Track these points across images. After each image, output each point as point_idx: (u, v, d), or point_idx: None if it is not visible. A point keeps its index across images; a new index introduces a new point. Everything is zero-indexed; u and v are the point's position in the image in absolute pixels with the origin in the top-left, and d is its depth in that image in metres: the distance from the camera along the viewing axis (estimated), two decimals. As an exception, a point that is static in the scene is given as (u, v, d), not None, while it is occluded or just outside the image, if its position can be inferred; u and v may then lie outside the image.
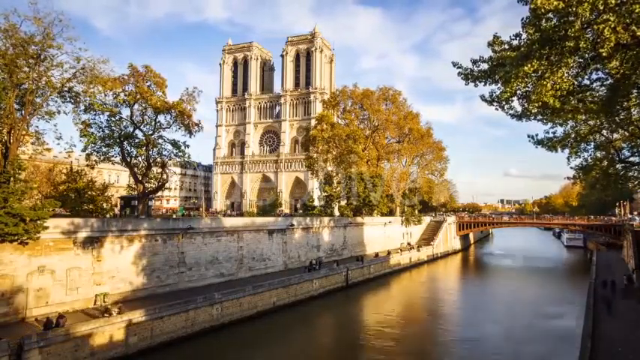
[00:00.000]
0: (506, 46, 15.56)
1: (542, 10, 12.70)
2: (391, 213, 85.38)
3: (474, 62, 16.40)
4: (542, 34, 13.41)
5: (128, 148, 45.53)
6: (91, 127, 42.21)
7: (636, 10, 11.84)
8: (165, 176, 48.34)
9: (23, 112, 32.11)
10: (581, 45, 12.97)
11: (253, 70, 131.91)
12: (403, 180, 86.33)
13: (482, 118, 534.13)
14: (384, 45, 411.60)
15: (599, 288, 40.61)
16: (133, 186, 48.80)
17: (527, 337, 34.54)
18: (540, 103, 15.01)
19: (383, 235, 78.33)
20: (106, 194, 48.53)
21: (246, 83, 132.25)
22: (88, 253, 32.90)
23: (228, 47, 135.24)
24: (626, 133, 24.16)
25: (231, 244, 45.56)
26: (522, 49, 14.44)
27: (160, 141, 46.37)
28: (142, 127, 45.38)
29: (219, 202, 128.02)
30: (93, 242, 33.33)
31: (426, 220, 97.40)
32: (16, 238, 27.16)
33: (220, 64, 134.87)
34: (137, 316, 28.54)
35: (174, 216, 64.11)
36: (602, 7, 12.03)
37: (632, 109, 20.63)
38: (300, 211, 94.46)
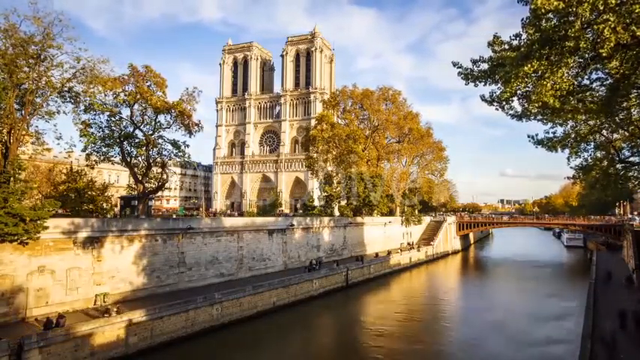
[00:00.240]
0: (506, 46, 15.57)
1: (543, 11, 12.70)
2: (391, 213, 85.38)
3: (474, 62, 16.42)
4: (542, 34, 13.41)
5: (128, 148, 45.53)
6: (91, 127, 42.19)
7: (636, 10, 11.85)
8: (165, 176, 48.33)
9: (23, 112, 32.11)
10: (581, 45, 12.98)
11: (253, 70, 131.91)
12: (403, 180, 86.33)
13: (478, 118, 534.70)
14: (379, 45, 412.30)
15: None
16: (133, 186, 48.80)
17: (527, 337, 34.54)
18: (540, 103, 15.03)
19: (383, 235, 78.34)
20: (106, 194, 48.55)
21: (246, 83, 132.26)
22: (88, 253, 32.91)
23: (228, 47, 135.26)
24: (626, 133, 24.17)
25: (231, 244, 45.56)
26: (522, 49, 14.44)
27: (160, 141, 46.39)
28: (142, 127, 45.37)
29: (219, 202, 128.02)
30: (93, 242, 33.33)
31: (426, 220, 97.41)
32: (16, 238, 27.15)
33: (220, 64, 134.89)
34: (137, 316, 28.54)
35: (174, 216, 64.11)
36: (602, 7, 12.03)
37: (632, 109, 20.64)
38: (300, 211, 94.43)
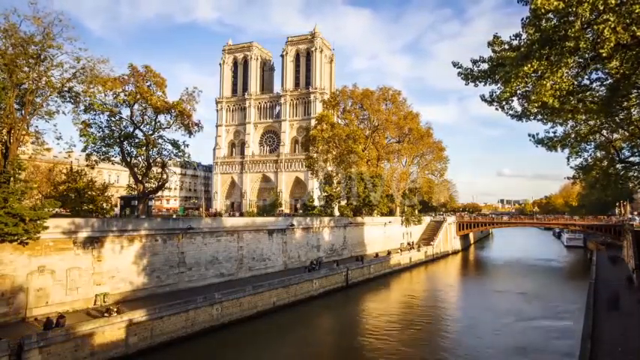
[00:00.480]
0: (506, 46, 15.56)
1: (543, 10, 12.69)
2: (391, 213, 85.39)
3: (474, 62, 16.41)
4: (542, 34, 13.40)
5: (128, 148, 45.54)
6: (91, 127, 42.20)
7: (636, 10, 11.85)
8: (165, 176, 48.34)
9: (23, 112, 32.11)
10: (581, 45, 12.97)
11: (253, 70, 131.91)
12: (403, 180, 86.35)
13: (476, 118, 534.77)
14: (375, 45, 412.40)
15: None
16: (133, 186, 48.80)
17: (527, 338, 34.53)
18: (540, 103, 15.02)
19: (383, 235, 78.34)
20: (106, 194, 48.54)
21: (246, 83, 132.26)
22: (88, 253, 32.91)
23: (228, 47, 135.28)
24: (626, 133, 24.15)
25: (231, 244, 45.57)
26: (522, 49, 14.44)
27: (160, 141, 46.41)
28: (142, 127, 45.38)
29: (219, 202, 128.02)
30: (93, 242, 33.34)
31: (426, 220, 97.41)
32: (16, 238, 27.15)
33: (220, 64, 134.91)
34: (137, 316, 28.55)
35: (174, 216, 64.12)
36: (602, 8, 12.03)
37: (632, 109, 20.63)
38: (300, 211, 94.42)
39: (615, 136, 25.58)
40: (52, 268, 30.40)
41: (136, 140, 45.67)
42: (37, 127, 34.76)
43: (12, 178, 29.30)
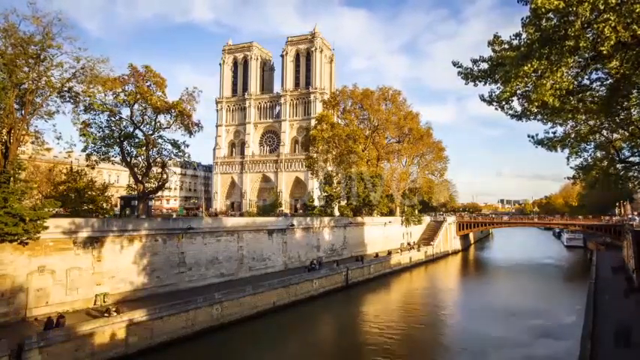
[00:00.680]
0: (506, 46, 15.56)
1: (543, 10, 12.69)
2: (391, 213, 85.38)
3: (474, 62, 16.41)
4: (543, 33, 13.41)
5: (128, 148, 45.51)
6: (91, 127, 42.15)
7: (637, 10, 11.84)
8: (165, 176, 48.32)
9: (23, 112, 32.08)
10: (581, 44, 12.97)
11: (253, 70, 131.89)
12: (403, 180, 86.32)
13: (475, 118, 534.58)
14: (372, 46, 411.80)
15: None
16: (133, 186, 48.78)
17: (527, 340, 34.52)
18: (540, 102, 15.02)
19: (383, 235, 78.32)
20: (106, 194, 48.53)
21: (246, 83, 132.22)
22: (88, 253, 32.90)
23: (228, 47, 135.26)
24: (626, 133, 24.14)
25: (231, 244, 45.56)
26: (522, 48, 14.43)
27: (160, 141, 46.37)
28: (141, 127, 45.33)
29: (219, 202, 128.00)
30: (93, 242, 33.32)
31: (426, 220, 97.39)
32: (16, 238, 27.14)
33: (220, 64, 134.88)
34: (137, 316, 28.53)
35: (174, 216, 64.11)
36: (602, 7, 12.03)
37: (632, 109, 20.63)
38: (300, 211, 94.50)
39: (615, 136, 25.56)
40: (52, 268, 30.39)
41: (136, 140, 45.65)
42: (37, 127, 34.75)
43: (12, 178, 29.26)
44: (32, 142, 35.57)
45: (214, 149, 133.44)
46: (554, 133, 22.10)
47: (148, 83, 44.39)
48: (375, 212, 77.86)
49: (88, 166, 44.87)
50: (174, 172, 67.38)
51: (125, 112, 44.49)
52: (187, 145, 47.09)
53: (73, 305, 31.11)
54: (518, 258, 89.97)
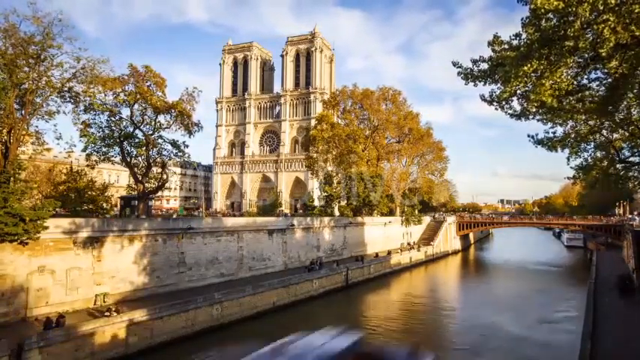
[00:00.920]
0: (506, 46, 15.56)
1: (542, 10, 12.71)
2: (391, 213, 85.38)
3: (474, 62, 16.42)
4: (542, 34, 13.42)
5: (128, 148, 45.53)
6: (91, 127, 42.19)
7: (636, 10, 11.86)
8: (165, 176, 48.34)
9: (23, 112, 32.11)
10: (580, 45, 12.99)
11: (253, 70, 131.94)
12: (403, 180, 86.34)
13: (472, 118, 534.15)
14: (369, 46, 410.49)
15: None
16: (133, 186, 48.81)
17: (527, 340, 34.53)
18: (539, 102, 15.04)
19: (383, 235, 78.33)
20: (106, 194, 48.56)
21: (246, 83, 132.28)
22: (88, 253, 32.92)
23: (228, 47, 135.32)
24: (626, 133, 24.12)
25: (231, 244, 45.57)
26: (522, 49, 14.44)
27: (160, 141, 46.40)
28: (141, 127, 45.37)
29: (219, 202, 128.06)
30: (93, 242, 33.34)
31: (426, 220, 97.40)
32: (15, 238, 27.16)
33: (220, 64, 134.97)
34: (137, 316, 28.56)
35: (174, 216, 64.14)
36: (602, 7, 12.04)
37: (632, 109, 20.63)
38: (300, 211, 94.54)
39: (615, 136, 25.52)
40: (52, 268, 30.41)
41: (136, 140, 45.67)
42: (37, 127, 34.78)
43: (12, 178, 29.29)
44: (32, 142, 35.60)
45: (214, 149, 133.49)
46: (554, 133, 22.07)
47: (148, 83, 44.43)
48: (375, 212, 77.86)
49: (87, 166, 44.90)
50: (174, 172, 67.45)
51: (125, 112, 44.60)
52: (187, 145, 47.24)
53: (73, 305, 31.14)
54: (519, 258, 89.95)
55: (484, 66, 16.30)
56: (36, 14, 30.82)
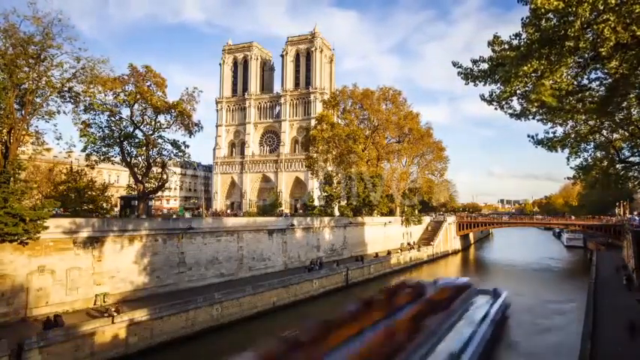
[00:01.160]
0: (506, 46, 15.55)
1: (543, 10, 12.70)
2: (391, 213, 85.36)
3: (474, 62, 16.41)
4: (542, 34, 13.41)
5: (128, 148, 45.51)
6: (91, 127, 42.16)
7: (636, 10, 11.86)
8: (165, 176, 48.33)
9: (23, 112, 32.11)
10: (580, 45, 12.99)
11: (253, 70, 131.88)
12: (403, 180, 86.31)
13: (469, 118, 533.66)
14: (364, 46, 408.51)
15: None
16: (133, 186, 48.80)
17: (526, 337, 34.52)
18: (539, 102, 15.04)
19: (383, 235, 78.32)
20: (106, 194, 48.54)
21: (246, 83, 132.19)
22: (88, 253, 32.92)
23: (228, 47, 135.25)
24: (626, 133, 24.14)
25: (231, 244, 45.56)
26: (522, 49, 14.44)
27: (160, 141, 46.37)
28: (142, 127, 45.35)
29: (219, 202, 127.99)
30: (93, 242, 33.33)
31: (426, 220, 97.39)
32: (16, 238, 27.16)
33: (220, 64, 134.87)
34: (137, 316, 28.56)
35: (174, 216, 64.13)
36: (602, 7, 12.04)
37: (632, 109, 20.63)
38: (300, 211, 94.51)
39: (615, 136, 25.54)
40: (52, 268, 30.41)
41: (136, 140, 45.65)
42: (37, 127, 34.76)
43: (12, 178, 29.28)
44: (32, 142, 35.57)
45: (214, 149, 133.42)
46: (554, 133, 22.10)
47: (148, 83, 44.42)
48: (375, 212, 77.84)
49: (87, 166, 44.88)
50: (174, 172, 67.41)
51: (125, 112, 44.59)
52: (187, 146, 47.17)
53: (73, 305, 31.14)
54: (518, 258, 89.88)
55: (484, 66, 16.29)
56: (36, 14, 30.86)
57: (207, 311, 33.32)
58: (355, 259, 61.40)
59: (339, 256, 63.56)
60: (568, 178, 30.85)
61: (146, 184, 46.31)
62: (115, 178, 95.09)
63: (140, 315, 28.73)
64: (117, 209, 56.73)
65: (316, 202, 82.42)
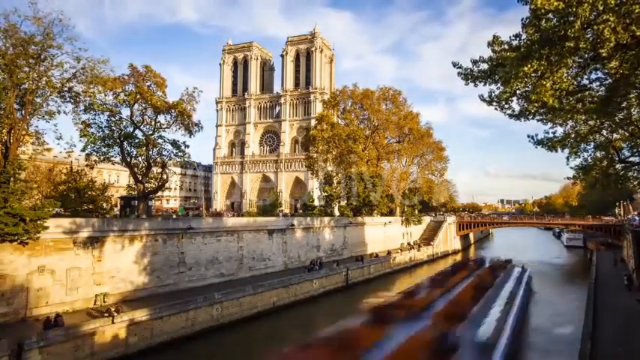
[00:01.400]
0: (506, 47, 15.56)
1: (542, 11, 12.71)
2: (391, 213, 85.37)
3: (474, 62, 16.41)
4: (542, 34, 13.42)
5: (128, 148, 45.51)
6: (91, 127, 42.16)
7: (636, 11, 11.87)
8: (165, 176, 48.33)
9: (23, 112, 32.11)
10: (580, 45, 12.99)
11: (253, 70, 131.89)
12: (403, 180, 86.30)
13: (467, 118, 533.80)
14: (360, 47, 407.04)
15: None
16: (133, 186, 48.80)
17: (526, 337, 34.53)
18: (540, 103, 15.04)
19: (383, 235, 78.33)
20: (106, 194, 48.54)
21: (246, 83, 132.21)
22: (88, 253, 32.92)
23: (228, 47, 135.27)
24: (626, 133, 24.15)
25: (231, 244, 45.56)
26: (522, 49, 14.44)
27: (160, 141, 46.38)
28: (142, 127, 45.36)
29: (219, 202, 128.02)
30: (93, 242, 33.33)
31: (426, 220, 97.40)
32: (16, 238, 27.16)
33: (220, 64, 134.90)
34: (137, 316, 28.57)
35: (174, 216, 64.13)
36: (601, 8, 12.04)
37: (632, 109, 20.64)
38: (300, 211, 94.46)
39: (615, 136, 25.55)
40: (52, 268, 30.41)
41: (136, 140, 45.66)
42: (37, 127, 34.75)
43: (12, 178, 29.28)
44: (32, 142, 35.58)
45: (214, 149, 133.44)
46: (554, 133, 22.10)
47: (148, 83, 44.43)
48: (375, 212, 77.83)
49: (87, 166, 44.88)
50: (174, 172, 67.35)
51: (125, 112, 44.59)
52: (187, 146, 47.17)
53: (73, 305, 31.14)
54: (518, 258, 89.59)
55: (484, 66, 16.30)
56: (36, 14, 30.88)
57: (207, 311, 33.33)
58: (355, 259, 61.41)
59: (339, 256, 63.57)
60: (568, 178, 30.88)
61: (146, 184, 46.31)
62: (115, 178, 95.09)
63: (140, 315, 28.73)
64: (117, 209, 56.73)
65: (316, 202, 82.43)
